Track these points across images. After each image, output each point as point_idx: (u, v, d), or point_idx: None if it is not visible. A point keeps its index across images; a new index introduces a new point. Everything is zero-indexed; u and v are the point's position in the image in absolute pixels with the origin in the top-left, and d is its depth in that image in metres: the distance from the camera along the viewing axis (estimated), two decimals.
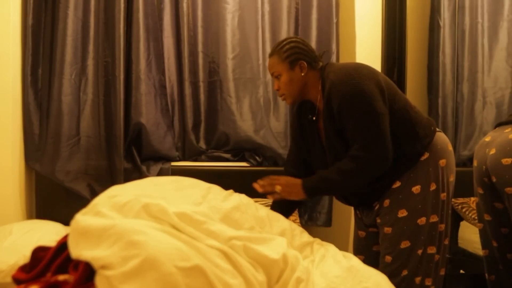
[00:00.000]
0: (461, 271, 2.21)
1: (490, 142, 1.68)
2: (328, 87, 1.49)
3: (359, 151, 1.45)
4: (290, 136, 1.82)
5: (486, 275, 1.82)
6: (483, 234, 1.82)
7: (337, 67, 1.56)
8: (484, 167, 1.67)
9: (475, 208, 2.20)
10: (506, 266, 1.73)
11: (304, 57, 1.59)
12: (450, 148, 1.57)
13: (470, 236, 2.18)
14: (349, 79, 1.45)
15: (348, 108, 1.45)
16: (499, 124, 1.75)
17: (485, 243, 1.81)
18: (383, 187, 1.54)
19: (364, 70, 1.49)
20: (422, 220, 1.49)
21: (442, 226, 1.52)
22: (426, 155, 1.50)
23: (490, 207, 1.73)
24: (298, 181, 1.55)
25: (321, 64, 1.62)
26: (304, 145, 1.75)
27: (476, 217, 2.16)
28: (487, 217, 1.75)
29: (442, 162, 1.51)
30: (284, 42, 1.62)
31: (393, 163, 1.48)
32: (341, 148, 1.52)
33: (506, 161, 1.56)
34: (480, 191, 1.76)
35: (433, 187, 1.50)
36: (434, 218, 1.50)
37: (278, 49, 1.61)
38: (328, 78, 1.51)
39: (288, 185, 1.56)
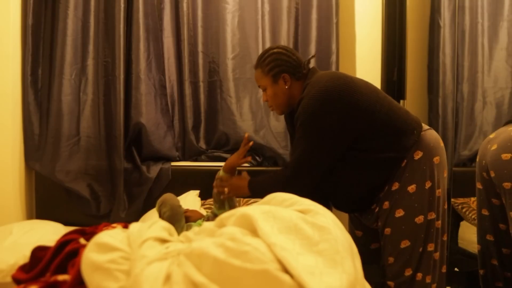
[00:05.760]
0: (456, 269, 2.22)
1: (493, 139, 1.70)
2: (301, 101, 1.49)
3: (288, 168, 1.51)
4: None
5: (479, 269, 1.83)
6: (479, 228, 1.84)
7: (315, 79, 1.52)
8: (484, 161, 1.69)
9: (475, 208, 2.21)
10: (500, 261, 1.76)
11: (287, 68, 1.57)
12: (442, 144, 1.57)
13: (470, 236, 2.18)
14: (316, 98, 1.43)
15: (301, 123, 1.47)
16: (507, 123, 1.77)
17: (480, 238, 1.83)
18: (381, 190, 1.52)
19: (335, 93, 1.43)
20: (420, 219, 1.48)
21: (439, 223, 1.52)
22: (420, 154, 1.48)
23: (487, 202, 1.76)
24: (244, 184, 1.63)
25: (306, 70, 1.60)
26: None
27: (476, 217, 2.16)
28: (484, 212, 1.79)
29: (436, 159, 1.50)
30: (266, 54, 1.60)
31: (384, 165, 1.48)
32: None
33: (505, 156, 1.57)
34: (479, 186, 1.79)
35: (428, 184, 1.48)
36: (431, 215, 1.49)
37: (260, 61, 1.60)
38: (304, 92, 1.50)
39: (235, 187, 1.67)
